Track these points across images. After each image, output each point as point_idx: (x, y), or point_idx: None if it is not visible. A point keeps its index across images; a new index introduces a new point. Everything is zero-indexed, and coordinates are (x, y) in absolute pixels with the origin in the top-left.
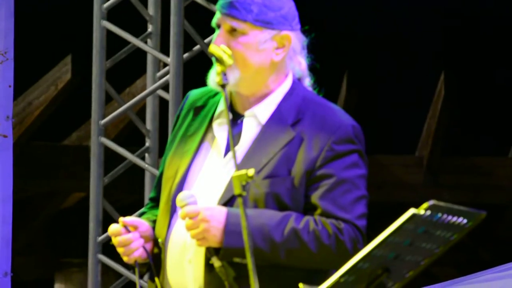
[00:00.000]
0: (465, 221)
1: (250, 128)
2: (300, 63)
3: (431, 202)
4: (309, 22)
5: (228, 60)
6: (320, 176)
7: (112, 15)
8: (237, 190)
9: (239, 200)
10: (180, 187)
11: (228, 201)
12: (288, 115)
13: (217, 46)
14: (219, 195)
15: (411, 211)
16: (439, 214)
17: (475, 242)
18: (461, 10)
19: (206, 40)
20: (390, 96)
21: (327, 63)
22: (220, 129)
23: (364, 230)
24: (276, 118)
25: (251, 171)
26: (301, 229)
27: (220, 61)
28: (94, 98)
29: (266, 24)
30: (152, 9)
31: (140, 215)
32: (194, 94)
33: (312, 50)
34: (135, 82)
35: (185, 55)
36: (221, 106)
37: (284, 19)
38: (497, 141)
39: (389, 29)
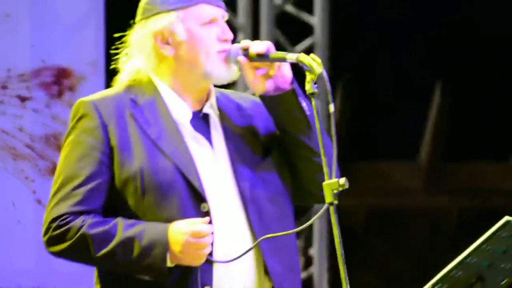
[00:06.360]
0: None
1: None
2: None
3: None
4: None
5: (317, 68)
6: None
7: None
8: (328, 199)
9: (331, 209)
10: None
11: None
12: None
13: (306, 55)
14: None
15: (506, 218)
16: None
17: None
18: None
19: (297, 49)
20: None
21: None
22: (199, 129)
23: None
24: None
25: (342, 180)
26: None
27: (310, 69)
28: None
29: None
30: (242, 18)
31: None
32: (101, 102)
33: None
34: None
35: None
36: (177, 104)
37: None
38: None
39: None
